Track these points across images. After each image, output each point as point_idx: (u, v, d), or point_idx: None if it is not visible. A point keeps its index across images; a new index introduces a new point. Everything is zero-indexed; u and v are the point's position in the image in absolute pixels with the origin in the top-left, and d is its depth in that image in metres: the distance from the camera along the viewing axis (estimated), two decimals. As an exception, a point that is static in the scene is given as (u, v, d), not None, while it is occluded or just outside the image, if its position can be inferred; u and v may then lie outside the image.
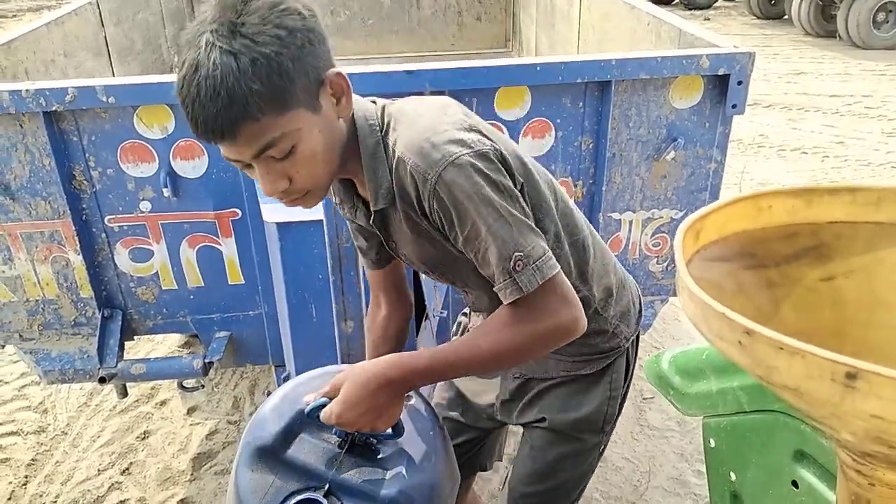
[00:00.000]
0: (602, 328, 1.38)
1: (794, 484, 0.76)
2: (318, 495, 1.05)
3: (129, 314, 2.09)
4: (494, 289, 1.12)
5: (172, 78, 1.83)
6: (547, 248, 1.12)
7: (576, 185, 2.05)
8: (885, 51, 9.17)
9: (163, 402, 3.12)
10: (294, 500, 1.05)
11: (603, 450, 1.51)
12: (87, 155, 1.87)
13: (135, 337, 2.18)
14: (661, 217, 2.11)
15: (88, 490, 2.62)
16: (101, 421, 3.01)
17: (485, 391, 1.56)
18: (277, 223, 1.67)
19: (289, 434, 1.11)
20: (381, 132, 1.17)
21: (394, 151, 1.14)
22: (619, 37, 2.70)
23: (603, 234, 2.10)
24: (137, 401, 3.12)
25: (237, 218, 1.98)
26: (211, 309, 2.10)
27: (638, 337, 1.46)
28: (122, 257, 2.00)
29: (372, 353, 1.52)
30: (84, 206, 1.93)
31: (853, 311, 0.56)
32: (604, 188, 2.03)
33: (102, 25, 2.91)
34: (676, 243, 0.52)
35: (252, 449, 1.10)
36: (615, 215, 2.09)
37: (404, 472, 1.10)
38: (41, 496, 2.60)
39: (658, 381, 0.96)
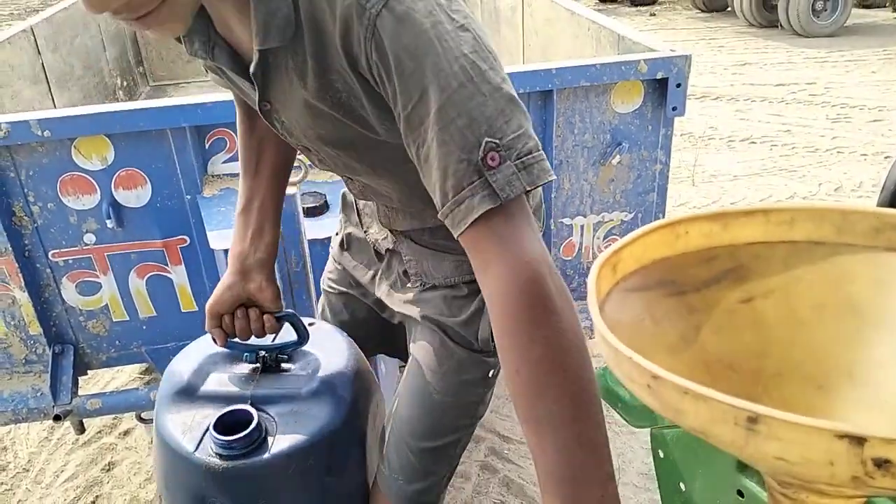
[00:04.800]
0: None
1: (740, 493, 0.77)
2: (245, 406, 1.05)
3: (80, 349, 2.05)
4: (444, 207, 0.77)
5: (109, 107, 1.82)
6: (537, 140, 0.78)
7: (526, 193, 2.07)
8: (826, 38, 9.41)
9: (126, 432, 3.05)
10: (220, 415, 1.04)
11: (488, 393, 1.24)
12: (25, 190, 1.83)
13: (88, 371, 2.13)
14: (612, 220, 2.13)
15: (51, 528, 2.56)
16: (63, 455, 2.94)
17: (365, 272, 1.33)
18: (225, 250, 1.64)
19: (200, 373, 1.13)
20: None
21: None
22: (562, 42, 2.72)
23: (556, 240, 2.11)
24: (100, 432, 3.05)
25: (186, 245, 1.95)
26: (165, 338, 2.07)
27: None
28: (69, 292, 1.96)
29: (257, 173, 1.18)
30: (26, 242, 1.89)
31: (774, 330, 0.58)
32: (553, 195, 2.05)
33: (39, 53, 2.85)
34: (590, 281, 0.52)
35: (167, 397, 1.11)
36: (566, 220, 2.11)
37: (321, 368, 1.12)
38: (2, 538, 2.54)
39: (606, 394, 0.96)
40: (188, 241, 1.94)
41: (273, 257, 1.18)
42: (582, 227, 2.13)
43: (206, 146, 1.91)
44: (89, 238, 1.90)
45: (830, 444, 0.37)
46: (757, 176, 5.41)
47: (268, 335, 1.17)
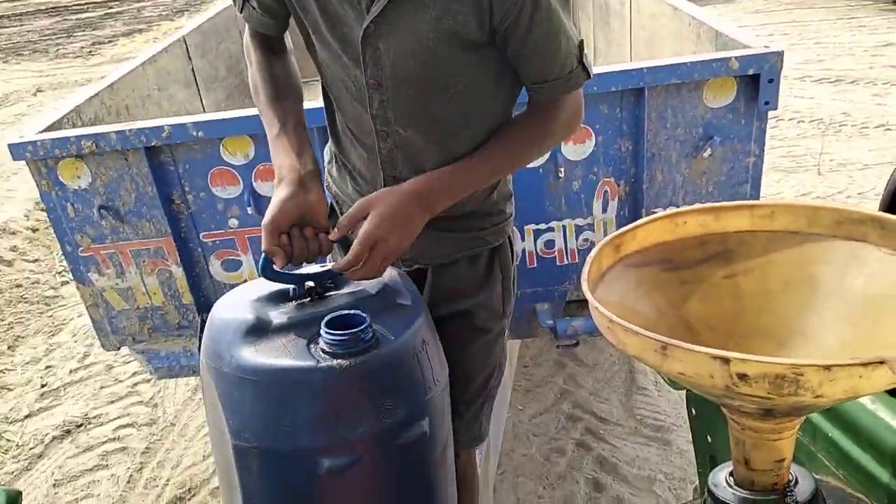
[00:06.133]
0: (510, 191, 1.45)
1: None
2: (356, 311, 1.00)
3: (223, 317, 2.37)
4: (548, 82, 1.18)
5: (250, 112, 2.11)
6: None
7: (619, 184, 2.19)
8: (985, 14, 8.66)
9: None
10: (327, 319, 0.97)
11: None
12: (182, 182, 2.15)
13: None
14: (704, 210, 2.21)
15: (195, 474, 2.94)
16: (205, 413, 3.33)
17: None
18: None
19: (260, 313, 1.04)
20: None
21: None
22: (666, 35, 2.80)
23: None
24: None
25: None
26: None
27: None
28: (215, 268, 2.28)
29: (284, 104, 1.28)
30: (182, 225, 2.22)
31: (749, 300, 0.71)
32: (645, 186, 2.16)
33: (190, 59, 3.23)
34: (590, 256, 0.68)
35: (234, 340, 1.00)
36: (658, 211, 2.21)
37: (374, 281, 1.10)
38: (154, 480, 2.94)
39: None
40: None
41: (320, 172, 1.22)
42: (675, 216, 2.22)
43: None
44: (233, 222, 2.20)
45: (709, 363, 0.52)
46: (890, 165, 5.16)
47: (321, 257, 1.14)
